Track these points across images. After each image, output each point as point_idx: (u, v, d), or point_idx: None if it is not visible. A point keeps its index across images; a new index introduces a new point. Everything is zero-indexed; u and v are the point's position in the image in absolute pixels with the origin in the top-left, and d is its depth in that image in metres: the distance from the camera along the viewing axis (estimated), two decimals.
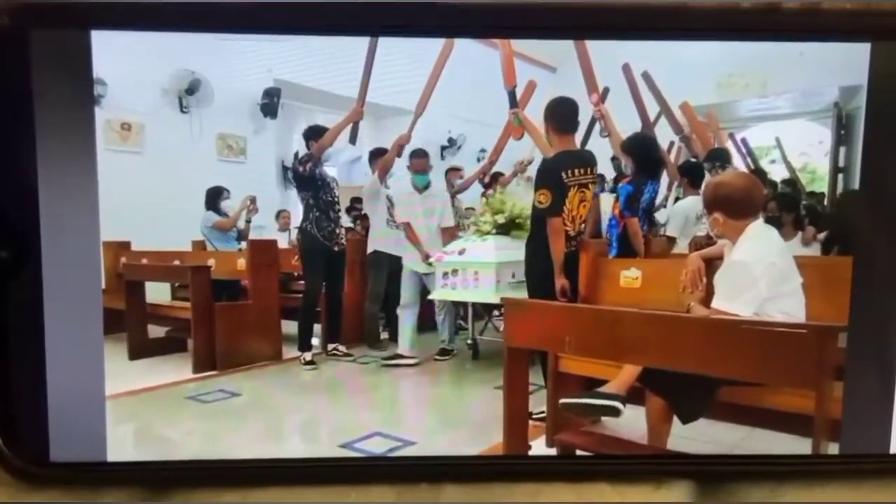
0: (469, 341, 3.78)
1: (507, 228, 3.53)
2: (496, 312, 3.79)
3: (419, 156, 3.66)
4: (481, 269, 3.33)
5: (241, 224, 4.15)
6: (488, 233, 3.53)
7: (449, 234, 3.71)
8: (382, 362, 3.57)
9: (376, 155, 3.85)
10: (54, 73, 0.90)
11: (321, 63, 4.28)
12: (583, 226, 2.56)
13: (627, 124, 3.56)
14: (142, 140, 4.04)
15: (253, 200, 4.17)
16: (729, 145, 4.31)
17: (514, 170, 4.43)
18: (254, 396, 2.94)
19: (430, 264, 3.53)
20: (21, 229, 0.91)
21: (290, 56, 4.35)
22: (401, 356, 3.55)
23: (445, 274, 3.43)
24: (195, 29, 0.97)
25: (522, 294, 2.98)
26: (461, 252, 3.48)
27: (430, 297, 3.59)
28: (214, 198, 4.04)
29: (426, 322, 3.84)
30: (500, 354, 3.22)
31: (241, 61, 4.25)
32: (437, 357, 3.68)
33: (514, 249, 3.29)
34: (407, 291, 3.65)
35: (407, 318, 3.63)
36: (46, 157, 0.91)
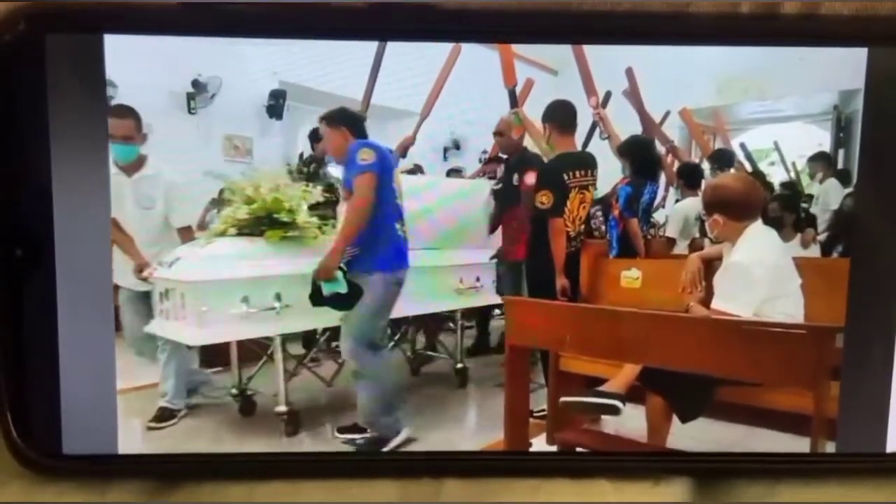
0: (234, 391, 2.54)
1: (257, 227, 2.38)
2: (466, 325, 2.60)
3: (117, 115, 2.27)
4: (187, 291, 2.18)
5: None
6: (223, 233, 2.38)
7: (188, 238, 2.52)
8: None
9: None
10: (68, 76, 0.92)
11: (327, 66, 4.28)
12: (582, 226, 2.58)
13: (634, 128, 3.55)
14: (151, 140, 4.05)
15: (213, 202, 3.80)
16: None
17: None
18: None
19: (144, 279, 2.38)
20: (35, 228, 0.93)
21: (296, 59, 4.35)
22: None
23: (161, 296, 2.28)
24: (205, 33, 1.00)
25: (253, 332, 2.28)
26: (172, 263, 2.27)
27: (145, 329, 2.37)
28: None
29: None
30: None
31: (248, 64, 4.26)
32: (152, 424, 2.38)
33: (263, 259, 2.29)
34: (127, 321, 2.42)
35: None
36: (60, 158, 0.92)
